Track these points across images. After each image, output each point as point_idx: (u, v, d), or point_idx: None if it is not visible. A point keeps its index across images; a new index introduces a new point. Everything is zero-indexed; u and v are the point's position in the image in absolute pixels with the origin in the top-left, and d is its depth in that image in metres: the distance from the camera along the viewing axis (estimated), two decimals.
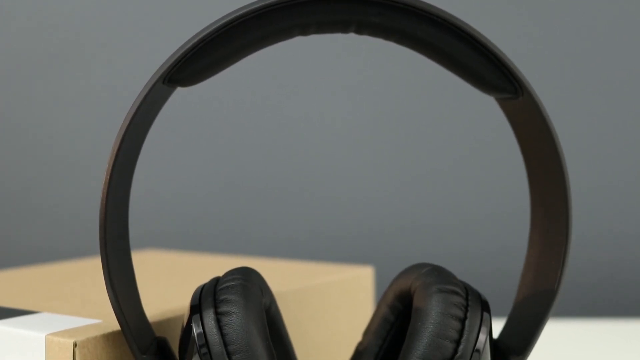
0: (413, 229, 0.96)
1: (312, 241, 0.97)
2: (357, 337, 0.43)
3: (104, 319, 0.39)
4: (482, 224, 0.95)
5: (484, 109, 0.89)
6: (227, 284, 0.35)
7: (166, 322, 0.40)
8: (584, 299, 0.93)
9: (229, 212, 0.98)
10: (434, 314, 0.34)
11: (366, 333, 0.41)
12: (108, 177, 0.33)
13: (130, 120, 0.33)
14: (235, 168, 0.98)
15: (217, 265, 0.60)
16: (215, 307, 0.34)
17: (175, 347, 0.37)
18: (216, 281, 0.36)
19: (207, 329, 0.33)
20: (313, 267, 0.60)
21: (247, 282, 0.35)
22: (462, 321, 0.34)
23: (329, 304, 0.54)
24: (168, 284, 0.52)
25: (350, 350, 0.43)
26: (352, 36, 0.37)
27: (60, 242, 1.00)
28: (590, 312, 0.93)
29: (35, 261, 0.89)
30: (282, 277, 0.54)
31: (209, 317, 0.33)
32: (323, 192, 0.97)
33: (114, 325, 0.37)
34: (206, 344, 0.33)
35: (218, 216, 0.98)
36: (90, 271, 0.58)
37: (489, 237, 0.95)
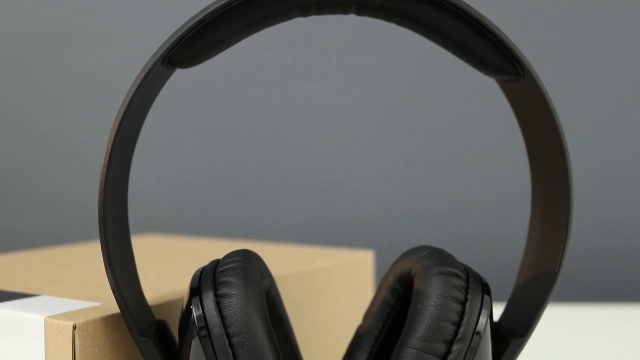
0: (413, 215, 0.96)
1: (312, 227, 0.97)
2: (357, 321, 0.43)
3: (104, 301, 0.39)
4: (483, 210, 0.95)
5: (485, 93, 0.88)
6: (227, 266, 0.35)
7: (166, 305, 0.40)
8: (586, 284, 0.93)
9: (228, 198, 0.98)
10: (434, 296, 0.34)
11: (366, 316, 0.41)
12: (107, 158, 0.33)
13: (129, 101, 0.33)
14: (234, 154, 0.98)
15: (217, 249, 0.59)
16: (215, 289, 0.34)
17: (175, 329, 0.37)
18: (216, 263, 0.36)
19: (206, 311, 0.33)
20: (313, 251, 0.60)
21: (247, 264, 0.35)
22: (463, 303, 0.34)
23: (329, 288, 0.54)
24: (168, 268, 0.52)
25: (350, 334, 0.43)
26: (352, 18, 0.36)
27: (60, 228, 1.00)
28: (592, 297, 0.93)
29: (34, 246, 0.89)
30: (282, 260, 0.54)
31: (209, 300, 0.33)
32: (323, 178, 0.97)
33: (113, 308, 0.37)
34: (206, 326, 0.32)
35: (217, 202, 0.98)
36: (90, 255, 0.58)
37: (490, 224, 0.95)
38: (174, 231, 0.93)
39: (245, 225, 0.98)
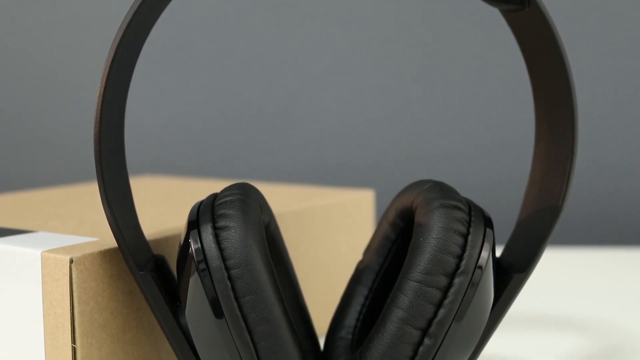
0: (415, 157, 0.95)
1: (312, 169, 0.96)
2: (357, 258, 0.43)
3: (101, 237, 0.39)
4: (485, 151, 0.94)
5: (488, 29, 0.87)
6: (226, 199, 0.34)
7: (164, 241, 0.40)
8: (589, 227, 0.93)
9: (227, 141, 0.98)
10: (436, 229, 0.33)
11: (367, 251, 0.40)
12: (102, 89, 0.32)
13: (125, 30, 0.32)
14: (233, 95, 0.97)
15: (216, 188, 0.59)
16: (214, 222, 0.33)
17: (174, 265, 0.36)
18: (214, 197, 0.35)
19: (205, 244, 0.32)
20: (313, 190, 0.60)
21: (246, 197, 0.35)
22: (465, 236, 0.33)
23: (329, 226, 0.53)
24: (166, 206, 0.51)
25: (350, 271, 0.43)
26: None
27: (57, 170, 1.00)
28: (597, 240, 0.93)
29: (32, 187, 0.89)
30: (282, 199, 0.54)
31: (207, 232, 0.33)
32: (323, 120, 0.96)
33: (111, 242, 0.37)
34: (204, 259, 0.32)
35: (216, 145, 0.98)
36: (87, 195, 0.57)
37: (491, 165, 0.94)
38: (171, 173, 0.92)
39: (245, 167, 0.97)
